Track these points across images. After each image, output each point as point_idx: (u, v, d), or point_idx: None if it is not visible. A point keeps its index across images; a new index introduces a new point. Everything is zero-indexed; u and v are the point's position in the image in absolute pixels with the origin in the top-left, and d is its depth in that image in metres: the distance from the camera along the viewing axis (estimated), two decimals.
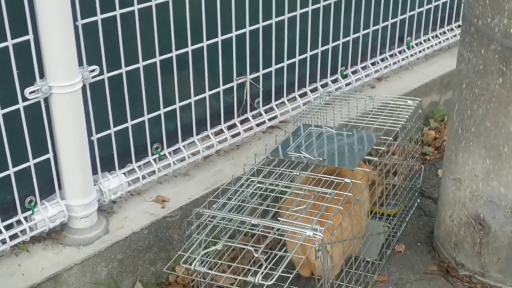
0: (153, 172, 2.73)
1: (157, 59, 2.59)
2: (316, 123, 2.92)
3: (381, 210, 2.89)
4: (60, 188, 2.45)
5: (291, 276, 2.01)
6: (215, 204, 2.31)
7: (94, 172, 2.53)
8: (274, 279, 1.96)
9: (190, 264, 2.08)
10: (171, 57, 2.63)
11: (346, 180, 2.37)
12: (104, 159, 2.57)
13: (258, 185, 2.40)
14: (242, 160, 2.99)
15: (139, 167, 2.71)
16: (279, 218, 2.17)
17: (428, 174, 3.31)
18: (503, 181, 2.40)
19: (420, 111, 2.96)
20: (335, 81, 3.43)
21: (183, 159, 2.83)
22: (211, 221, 2.23)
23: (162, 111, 2.69)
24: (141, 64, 2.53)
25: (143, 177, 2.70)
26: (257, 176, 2.47)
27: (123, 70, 2.49)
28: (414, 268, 2.75)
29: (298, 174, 2.46)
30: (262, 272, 1.99)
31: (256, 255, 2.05)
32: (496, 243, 2.52)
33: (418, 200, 3.16)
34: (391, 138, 2.63)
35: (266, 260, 2.05)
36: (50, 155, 2.37)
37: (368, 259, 2.62)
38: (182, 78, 2.71)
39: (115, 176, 2.61)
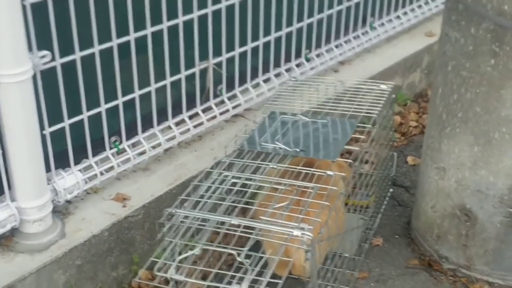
0: (112, 167, 2.50)
1: (114, 42, 2.34)
2: (286, 110, 2.72)
3: (353, 201, 2.73)
4: (9, 188, 2.19)
5: (281, 282, 1.81)
6: (186, 202, 2.09)
7: (47, 169, 2.28)
8: (263, 286, 1.76)
9: (165, 272, 1.85)
10: (128, 41, 2.38)
11: (329, 172, 2.18)
12: (58, 155, 2.32)
13: (234, 180, 2.18)
14: (206, 152, 2.78)
15: (96, 162, 2.46)
16: (261, 217, 1.97)
17: (397, 162, 3.16)
18: (493, 169, 2.26)
19: (394, 95, 2.80)
20: (299, 65, 3.24)
21: (143, 153, 2.60)
22: (184, 222, 2.01)
23: (120, 100, 2.45)
24: (96, 48, 2.28)
25: (101, 174, 2.46)
26: (228, 170, 2.25)
27: (77, 55, 2.24)
28: (395, 263, 2.60)
29: (274, 167, 2.26)
30: (249, 279, 1.78)
31: (239, 259, 1.84)
32: (483, 234, 2.38)
33: (391, 190, 3.01)
34: (370, 125, 2.46)
35: (250, 264, 1.85)
36: None
37: (346, 255, 2.44)
38: (141, 64, 2.47)
39: (71, 174, 2.37)
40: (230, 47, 2.82)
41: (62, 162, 2.36)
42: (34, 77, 2.08)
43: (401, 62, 3.66)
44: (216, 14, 2.69)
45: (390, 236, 2.74)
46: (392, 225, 2.81)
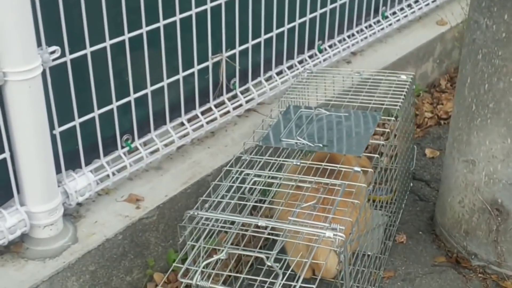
0: (124, 167, 2.38)
1: (126, 36, 2.22)
2: (302, 103, 2.61)
3: (374, 197, 2.61)
4: (18, 192, 2.07)
5: (314, 286, 1.70)
6: (207, 203, 1.98)
7: (57, 171, 2.16)
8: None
9: (191, 278, 1.74)
10: (140, 35, 2.26)
11: (356, 168, 2.07)
12: (68, 156, 2.21)
13: (255, 178, 2.07)
14: (220, 148, 2.67)
15: (107, 162, 2.35)
16: (289, 218, 1.85)
17: (415, 155, 3.05)
18: None
19: (414, 86, 2.69)
20: (311, 56, 3.13)
21: (156, 151, 2.49)
22: (207, 224, 1.90)
23: (132, 97, 2.33)
24: (108, 43, 2.16)
25: (113, 174, 2.35)
26: (248, 168, 2.14)
27: (88, 50, 2.12)
28: (421, 261, 2.50)
29: (298, 164, 2.14)
30: (280, 284, 1.67)
31: (268, 263, 1.73)
32: None
33: (411, 184, 2.90)
34: (393, 118, 2.35)
35: (280, 268, 1.74)
36: (6, 154, 1.99)
37: (369, 253, 2.33)
38: (153, 59, 2.36)
39: (82, 175, 2.26)
40: (244, 39, 2.70)
41: (72, 163, 2.25)
42: (43, 74, 1.96)
43: (414, 52, 3.55)
44: (230, 4, 2.57)
45: (414, 233, 2.64)
46: (415, 221, 2.71)
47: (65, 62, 2.06)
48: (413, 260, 2.50)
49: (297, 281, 1.68)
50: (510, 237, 2.30)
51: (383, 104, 2.43)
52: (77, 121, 2.18)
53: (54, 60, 2.00)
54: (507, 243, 2.32)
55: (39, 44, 1.93)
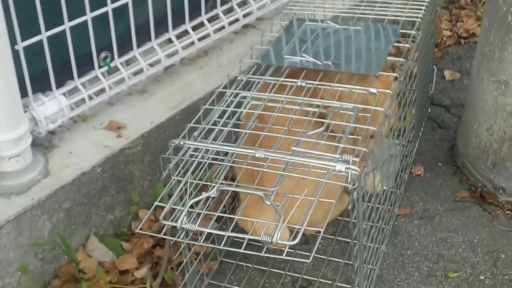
0: (103, 90, 2.10)
1: None
2: (307, 17, 2.28)
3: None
4: None
5: (321, 230, 1.42)
6: (196, 131, 1.68)
7: (23, 94, 1.89)
8: (299, 236, 1.37)
9: (174, 220, 1.46)
10: None
11: (371, 90, 1.76)
12: (36, 77, 1.94)
13: (253, 102, 1.77)
14: (214, 69, 2.39)
15: (83, 84, 2.07)
16: (292, 148, 1.56)
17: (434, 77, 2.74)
18: None
19: None
20: None
21: (139, 72, 2.21)
22: (195, 155, 1.61)
23: (110, 6, 2.02)
24: None
25: (90, 98, 2.07)
26: (245, 90, 1.84)
27: None
28: (440, 196, 2.24)
29: (303, 84, 1.83)
30: (280, 228, 1.39)
31: (268, 202, 1.44)
32: None
33: (429, 109, 2.60)
34: (414, 32, 2.03)
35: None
36: None
37: (384, 188, 2.05)
38: None
39: (53, 98, 2.00)
40: None
41: (41, 85, 1.99)
42: None
43: None
44: None
45: (432, 164, 2.37)
46: (434, 151, 2.44)
47: None
48: (431, 195, 2.25)
49: (302, 224, 1.40)
50: None
51: (400, 17, 2.11)
52: (44, 35, 1.88)
53: None
54: None
55: None
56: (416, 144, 2.41)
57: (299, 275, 1.95)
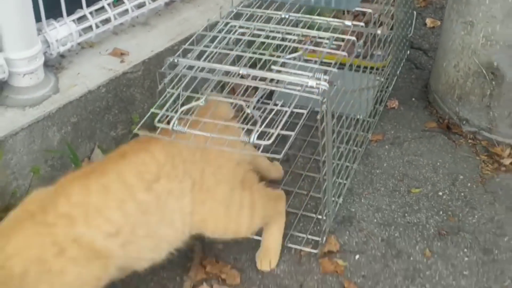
0: (108, 20, 2.29)
1: None
2: None
3: (364, 63, 2.52)
4: None
5: (293, 133, 1.65)
6: (190, 53, 1.90)
7: (38, 19, 2.08)
8: (273, 137, 1.60)
9: (167, 123, 1.69)
10: None
11: (347, 22, 1.98)
12: (49, 4, 2.11)
13: (241, 30, 1.99)
14: (211, 7, 2.58)
15: (90, 13, 2.26)
16: (272, 67, 1.78)
17: (416, 25, 2.94)
18: None
19: None
20: None
21: (142, 5, 2.39)
22: (188, 72, 1.83)
23: None
24: None
25: (97, 26, 2.26)
26: (237, 20, 2.05)
27: None
28: (411, 126, 2.45)
29: (286, 16, 2.05)
30: (257, 131, 1.62)
31: (248, 111, 1.67)
32: (510, 94, 2.21)
33: (408, 52, 2.81)
34: None
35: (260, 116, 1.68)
36: None
37: (359, 117, 2.28)
38: None
39: (63, 24, 2.17)
40: None
41: (53, 12, 2.16)
42: None
43: None
44: None
45: (407, 99, 2.58)
46: (409, 88, 2.64)
47: None
48: (403, 125, 2.46)
49: (276, 128, 1.63)
50: (503, 102, 2.24)
51: None
52: None
53: None
54: (500, 108, 2.26)
55: None
56: (393, 81, 2.62)
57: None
